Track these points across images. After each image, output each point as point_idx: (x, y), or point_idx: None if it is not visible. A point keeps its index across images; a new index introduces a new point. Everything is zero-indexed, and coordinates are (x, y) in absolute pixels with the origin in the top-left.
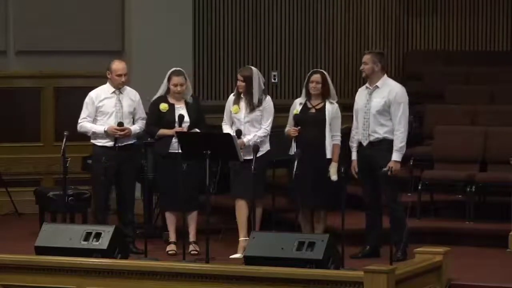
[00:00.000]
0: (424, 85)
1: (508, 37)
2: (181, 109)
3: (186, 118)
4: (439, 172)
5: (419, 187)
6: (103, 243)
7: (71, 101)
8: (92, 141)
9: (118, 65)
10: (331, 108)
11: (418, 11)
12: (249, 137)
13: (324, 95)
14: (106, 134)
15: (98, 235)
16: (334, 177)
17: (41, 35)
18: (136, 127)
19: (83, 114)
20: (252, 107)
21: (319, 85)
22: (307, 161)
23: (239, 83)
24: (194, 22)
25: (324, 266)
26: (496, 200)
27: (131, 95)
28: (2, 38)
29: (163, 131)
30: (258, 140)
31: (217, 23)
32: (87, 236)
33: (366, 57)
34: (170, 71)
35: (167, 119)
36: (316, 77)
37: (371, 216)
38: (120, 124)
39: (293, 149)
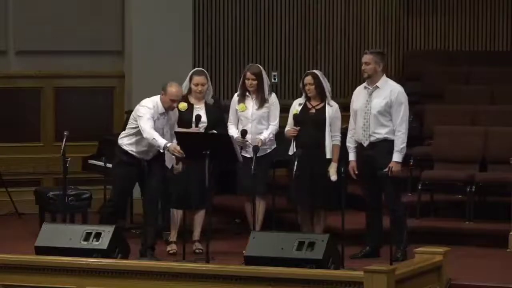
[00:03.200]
0: (424, 85)
1: (508, 37)
2: (199, 110)
3: (204, 119)
4: (439, 172)
5: (419, 187)
6: (103, 243)
7: (71, 101)
8: (123, 145)
9: (175, 92)
10: (331, 109)
11: (418, 11)
12: (265, 135)
13: (322, 95)
14: (165, 149)
15: (98, 235)
16: (333, 177)
17: (41, 35)
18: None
19: (150, 122)
20: (263, 103)
21: (312, 87)
22: (307, 162)
23: (249, 81)
24: (194, 22)
25: (324, 266)
26: (496, 200)
27: (173, 116)
28: (2, 38)
29: (179, 131)
30: (273, 138)
31: (217, 23)
32: (87, 236)
33: (368, 57)
34: (192, 71)
35: (185, 118)
36: (307, 79)
37: (372, 216)
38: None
39: (292, 149)
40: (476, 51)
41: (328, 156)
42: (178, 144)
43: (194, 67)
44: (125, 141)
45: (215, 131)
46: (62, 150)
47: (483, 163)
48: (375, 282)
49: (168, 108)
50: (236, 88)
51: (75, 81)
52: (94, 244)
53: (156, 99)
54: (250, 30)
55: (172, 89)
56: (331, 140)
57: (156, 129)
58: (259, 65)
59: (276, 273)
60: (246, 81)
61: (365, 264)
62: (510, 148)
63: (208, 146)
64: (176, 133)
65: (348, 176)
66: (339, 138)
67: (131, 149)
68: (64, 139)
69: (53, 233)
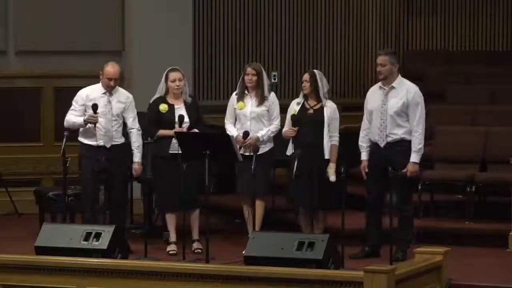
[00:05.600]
0: (424, 85)
1: (508, 37)
2: (180, 110)
3: (186, 119)
4: (439, 172)
5: (419, 187)
6: (103, 243)
7: (71, 101)
8: (79, 139)
9: (110, 69)
10: (329, 109)
11: (418, 11)
12: (262, 132)
13: (317, 95)
14: (86, 123)
15: (98, 235)
16: (332, 177)
17: (41, 35)
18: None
19: (71, 110)
20: (262, 100)
21: (308, 84)
22: (305, 162)
23: (250, 77)
24: (194, 22)
25: (324, 266)
26: (496, 200)
27: (122, 98)
28: (2, 38)
29: (163, 132)
30: (272, 135)
31: (217, 23)
32: (87, 236)
33: (383, 59)
34: (167, 69)
35: (167, 119)
36: (304, 76)
37: (373, 216)
38: (95, 106)
39: (290, 150)
40: (476, 51)
41: (326, 156)
42: (178, 143)
43: (194, 67)
44: (84, 137)
45: (196, 130)
46: (62, 150)
47: (483, 163)
48: (375, 282)
49: (107, 88)
50: (236, 87)
51: (75, 81)
52: (94, 244)
53: (93, 85)
54: (250, 30)
55: (108, 68)
56: (329, 141)
57: (97, 111)
58: (259, 63)
59: (276, 273)
60: (246, 77)
61: (365, 264)
62: (510, 148)
63: (208, 146)
64: (176, 133)
65: (349, 176)
66: (337, 139)
67: (85, 141)
68: (64, 139)
69: (53, 233)
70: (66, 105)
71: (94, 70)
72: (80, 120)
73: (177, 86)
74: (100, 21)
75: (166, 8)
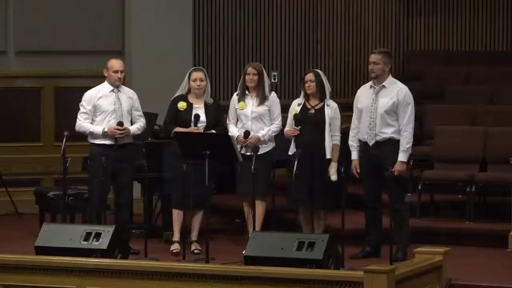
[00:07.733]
0: (424, 85)
1: (508, 37)
2: (199, 109)
3: (203, 118)
4: (439, 172)
5: (419, 187)
6: (103, 243)
7: (71, 101)
8: (89, 140)
9: (114, 62)
10: (330, 109)
11: (418, 11)
12: (263, 132)
13: (321, 94)
14: (105, 135)
15: (98, 235)
16: (333, 177)
17: (41, 35)
18: (135, 128)
19: (81, 113)
20: (263, 100)
21: (313, 84)
22: (307, 162)
23: (251, 76)
24: (194, 22)
25: (324, 266)
26: (496, 200)
27: (129, 94)
28: (2, 38)
29: (178, 130)
30: (273, 135)
31: (217, 23)
32: (87, 236)
33: (377, 57)
34: (191, 69)
35: (184, 118)
36: (309, 76)
37: (371, 216)
38: (120, 123)
39: (292, 149)
40: (476, 51)
41: (328, 156)
42: (178, 144)
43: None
44: (94, 138)
45: (213, 131)
46: (62, 150)
47: (483, 163)
48: (375, 282)
49: (114, 83)
50: (236, 87)
51: (75, 81)
52: (94, 244)
53: (98, 85)
54: (250, 30)
55: (112, 61)
56: (331, 140)
57: (107, 109)
58: (259, 63)
59: (276, 273)
60: (247, 76)
61: (365, 264)
62: (510, 148)
63: (208, 146)
64: (176, 133)
65: (349, 176)
66: (338, 138)
67: (100, 140)
68: (64, 139)
69: (53, 233)
70: (66, 105)
71: (94, 70)
72: (97, 130)
73: (198, 85)
74: (100, 21)
75: (166, 8)
